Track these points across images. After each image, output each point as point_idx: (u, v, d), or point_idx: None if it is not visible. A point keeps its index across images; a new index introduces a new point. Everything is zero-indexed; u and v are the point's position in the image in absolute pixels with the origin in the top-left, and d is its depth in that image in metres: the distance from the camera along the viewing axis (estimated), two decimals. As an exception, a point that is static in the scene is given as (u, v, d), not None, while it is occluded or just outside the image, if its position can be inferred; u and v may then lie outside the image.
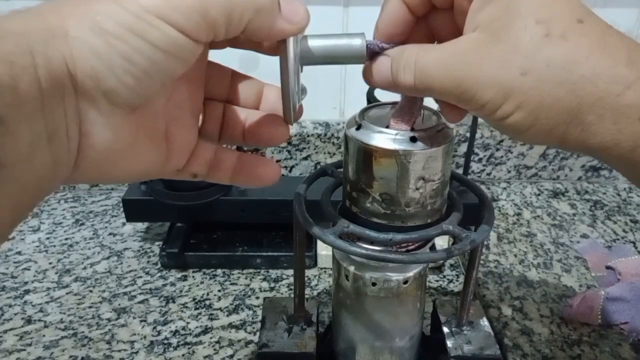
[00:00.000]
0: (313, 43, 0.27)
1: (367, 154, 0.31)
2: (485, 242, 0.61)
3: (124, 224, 0.67)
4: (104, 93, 0.22)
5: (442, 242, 0.59)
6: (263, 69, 0.29)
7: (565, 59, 0.23)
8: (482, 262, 0.57)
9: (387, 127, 0.31)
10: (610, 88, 0.23)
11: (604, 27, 0.24)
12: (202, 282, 0.57)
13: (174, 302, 0.54)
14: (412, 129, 0.31)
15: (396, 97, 0.32)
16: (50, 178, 0.22)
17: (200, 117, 0.31)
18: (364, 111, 0.34)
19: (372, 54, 0.29)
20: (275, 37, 0.25)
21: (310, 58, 0.28)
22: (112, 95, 0.22)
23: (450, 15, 0.28)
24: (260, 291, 0.56)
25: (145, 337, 0.50)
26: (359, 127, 0.32)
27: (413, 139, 0.30)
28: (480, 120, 0.58)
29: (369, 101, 0.54)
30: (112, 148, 0.24)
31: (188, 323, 0.52)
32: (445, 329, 0.42)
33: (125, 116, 0.24)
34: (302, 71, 0.28)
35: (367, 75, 0.29)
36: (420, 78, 0.26)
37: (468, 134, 0.60)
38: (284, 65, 0.26)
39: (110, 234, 0.65)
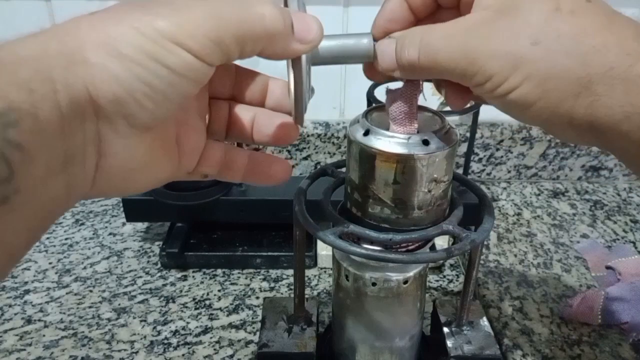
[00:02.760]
0: (323, 44, 0.27)
1: (380, 160, 0.31)
2: (485, 242, 0.61)
3: (124, 224, 0.67)
4: (124, 116, 0.22)
5: (442, 242, 0.59)
6: (264, 66, 0.29)
7: (575, 31, 0.23)
8: (482, 262, 0.57)
9: (388, 130, 0.32)
10: (621, 59, 0.23)
11: (610, 9, 0.25)
12: (202, 282, 0.57)
13: (174, 302, 0.54)
14: (418, 131, 0.31)
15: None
16: (65, 200, 0.22)
17: (207, 117, 0.31)
18: (367, 114, 0.34)
19: None
20: (289, 57, 0.25)
21: (319, 58, 0.28)
22: (132, 119, 0.23)
23: (458, 13, 0.28)
24: (260, 291, 0.56)
25: (145, 337, 0.50)
26: (366, 133, 0.32)
27: (426, 142, 0.30)
28: (480, 120, 0.58)
29: (369, 101, 0.54)
30: (129, 166, 0.25)
31: (188, 323, 0.52)
32: (445, 329, 0.42)
33: (141, 135, 0.24)
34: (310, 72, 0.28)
35: (369, 65, 0.29)
36: (425, 52, 0.26)
37: (468, 134, 0.60)
38: (297, 73, 0.26)
39: (110, 233, 0.65)
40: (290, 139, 0.31)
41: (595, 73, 0.23)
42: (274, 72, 0.31)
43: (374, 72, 0.30)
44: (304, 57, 0.25)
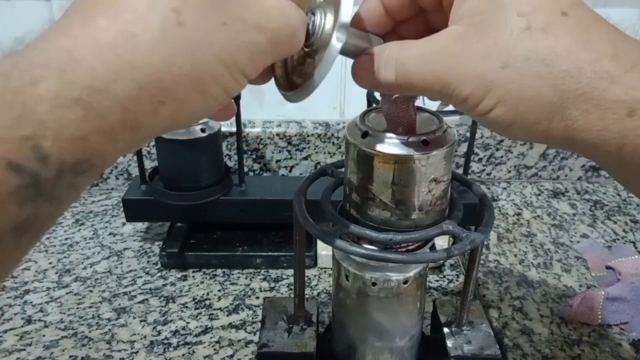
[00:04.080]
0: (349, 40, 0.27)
1: (379, 161, 0.31)
2: (485, 242, 0.61)
3: (124, 224, 0.67)
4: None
5: (442, 242, 0.59)
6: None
7: (545, 52, 0.22)
8: (482, 262, 0.57)
9: (386, 131, 0.31)
10: (594, 83, 0.22)
11: (590, 20, 0.23)
12: (202, 282, 0.57)
13: (174, 302, 0.54)
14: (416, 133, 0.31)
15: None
16: None
17: None
18: (364, 116, 0.34)
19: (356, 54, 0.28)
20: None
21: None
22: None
23: (443, 16, 0.28)
24: (260, 291, 0.56)
25: (145, 337, 0.50)
26: (364, 135, 0.32)
27: (425, 142, 0.30)
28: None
29: (369, 101, 0.54)
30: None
31: (188, 323, 0.52)
32: (445, 329, 0.42)
33: None
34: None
35: (352, 76, 0.29)
36: (401, 74, 0.26)
37: (468, 134, 0.60)
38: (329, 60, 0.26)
39: (110, 233, 0.65)
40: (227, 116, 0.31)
41: (568, 98, 0.22)
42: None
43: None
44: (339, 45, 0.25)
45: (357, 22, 0.29)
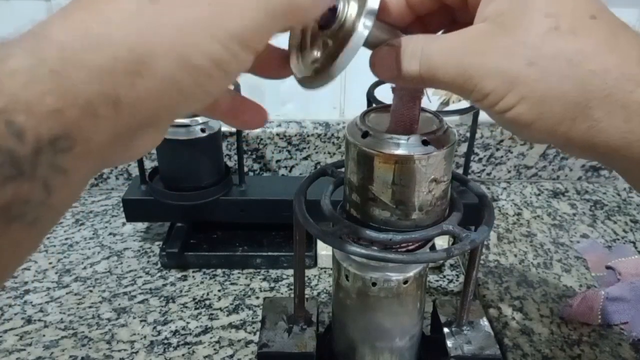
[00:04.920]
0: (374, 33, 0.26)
1: (379, 161, 0.31)
2: (485, 242, 0.61)
3: (124, 224, 0.67)
4: (172, 119, 0.22)
5: (442, 242, 0.59)
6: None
7: (573, 52, 0.23)
8: (482, 262, 0.57)
9: (387, 131, 0.31)
10: (620, 84, 0.22)
11: (617, 25, 0.24)
12: (202, 282, 0.57)
13: (174, 302, 0.54)
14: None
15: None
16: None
17: None
18: (364, 116, 0.34)
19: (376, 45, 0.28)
20: None
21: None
22: (178, 118, 0.23)
23: (466, 13, 0.28)
24: (260, 291, 0.56)
25: (145, 337, 0.50)
26: (365, 135, 0.32)
27: (425, 143, 0.30)
28: (480, 120, 0.58)
29: (369, 101, 0.54)
30: (150, 148, 0.24)
31: (188, 323, 0.52)
32: (445, 329, 0.42)
33: None
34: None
35: (371, 67, 0.29)
36: (425, 66, 0.25)
37: (468, 134, 0.60)
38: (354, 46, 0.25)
39: (110, 233, 0.65)
40: (258, 124, 0.31)
41: (593, 98, 0.22)
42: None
43: None
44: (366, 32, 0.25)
45: (378, 12, 0.29)
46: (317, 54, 0.27)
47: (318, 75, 0.27)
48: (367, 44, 0.28)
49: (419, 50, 0.26)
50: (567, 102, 0.23)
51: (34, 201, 0.18)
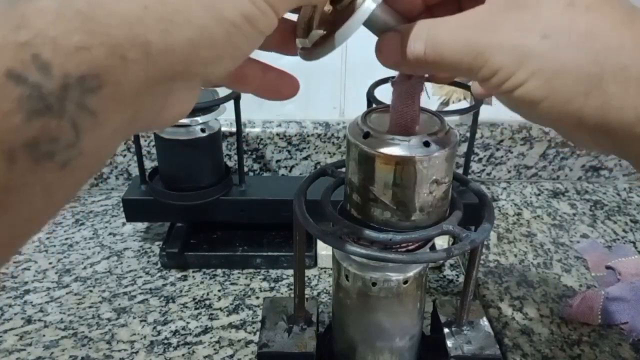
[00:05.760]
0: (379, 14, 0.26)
1: (380, 162, 0.31)
2: (485, 242, 0.61)
3: (124, 224, 0.67)
4: (204, 76, 0.22)
5: (442, 242, 0.59)
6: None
7: (588, 27, 0.22)
8: (482, 262, 0.57)
9: (388, 131, 0.31)
10: (636, 59, 0.22)
11: (632, 7, 0.24)
12: (202, 282, 0.57)
13: (174, 302, 0.54)
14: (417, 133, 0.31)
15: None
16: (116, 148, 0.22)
17: None
18: (365, 116, 0.34)
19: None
20: None
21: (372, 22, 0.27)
22: (210, 76, 0.22)
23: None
24: (260, 291, 0.56)
25: (145, 337, 0.50)
26: (366, 136, 0.32)
27: (426, 144, 0.30)
28: (480, 120, 0.58)
29: (369, 101, 0.54)
30: (183, 111, 0.24)
31: (188, 323, 0.52)
32: (445, 329, 0.42)
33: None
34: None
35: (376, 52, 0.28)
36: (430, 46, 0.25)
37: (468, 134, 0.60)
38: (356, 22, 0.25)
39: (110, 233, 0.65)
40: (294, 92, 0.30)
41: (608, 71, 0.22)
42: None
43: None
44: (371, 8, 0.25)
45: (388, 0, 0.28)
46: (323, 30, 0.27)
47: (320, 45, 0.27)
48: (375, 27, 0.27)
49: (425, 32, 0.25)
50: (581, 76, 0.22)
51: (62, 140, 0.18)
